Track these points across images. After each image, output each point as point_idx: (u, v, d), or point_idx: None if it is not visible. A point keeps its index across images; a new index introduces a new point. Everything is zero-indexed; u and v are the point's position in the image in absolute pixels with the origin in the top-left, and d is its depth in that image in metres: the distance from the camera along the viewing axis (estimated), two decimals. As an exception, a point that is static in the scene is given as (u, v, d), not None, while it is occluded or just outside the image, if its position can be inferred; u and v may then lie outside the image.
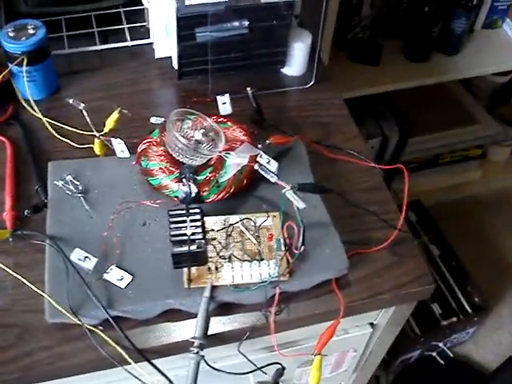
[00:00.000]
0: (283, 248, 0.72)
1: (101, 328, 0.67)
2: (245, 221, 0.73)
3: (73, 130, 0.86)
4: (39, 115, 0.88)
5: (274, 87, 0.96)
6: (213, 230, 0.72)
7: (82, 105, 0.80)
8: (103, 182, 0.78)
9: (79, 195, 0.77)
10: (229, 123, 0.82)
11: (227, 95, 0.86)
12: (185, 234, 0.67)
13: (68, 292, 0.67)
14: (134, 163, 0.79)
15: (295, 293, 0.72)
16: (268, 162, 0.77)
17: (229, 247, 0.71)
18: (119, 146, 0.80)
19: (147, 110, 0.88)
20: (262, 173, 0.75)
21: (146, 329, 0.69)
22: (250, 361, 0.70)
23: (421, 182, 1.98)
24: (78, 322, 0.66)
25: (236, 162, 0.75)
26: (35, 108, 0.89)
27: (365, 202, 0.82)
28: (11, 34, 0.85)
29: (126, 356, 0.65)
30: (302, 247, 0.71)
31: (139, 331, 0.69)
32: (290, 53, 0.96)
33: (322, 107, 0.96)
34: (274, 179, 0.74)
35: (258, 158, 0.77)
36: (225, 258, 0.70)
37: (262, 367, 0.71)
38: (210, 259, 0.70)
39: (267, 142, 0.80)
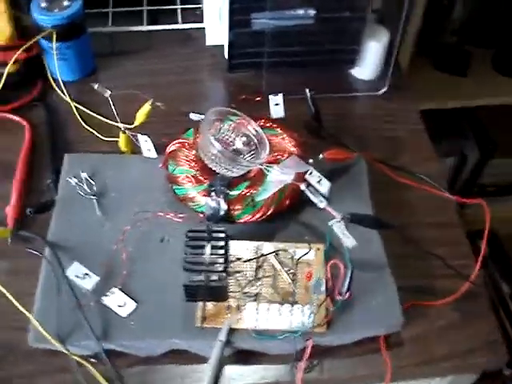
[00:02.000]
0: (323, 291, 0.58)
1: (92, 361, 0.56)
2: (281, 252, 0.60)
3: (102, 119, 0.76)
4: (67, 99, 0.78)
5: (339, 91, 0.82)
6: (239, 258, 0.59)
7: (109, 92, 0.68)
8: (122, 184, 0.67)
9: (93, 197, 0.65)
10: (278, 130, 0.69)
11: (281, 95, 0.73)
12: (203, 263, 0.55)
13: (58, 314, 0.56)
14: (160, 166, 0.67)
15: (332, 347, 0.58)
16: (319, 182, 0.63)
17: (256, 283, 0.58)
18: (146, 144, 0.68)
19: (187, 105, 0.76)
20: (309, 195, 0.62)
21: (146, 369, 0.57)
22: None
23: (498, 209, 1.77)
24: (65, 351, 0.55)
25: (279, 178, 0.62)
26: (64, 90, 0.78)
27: (431, 241, 0.67)
28: (43, 5, 0.75)
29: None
30: (348, 293, 0.57)
31: (137, 371, 0.57)
32: (362, 52, 0.81)
33: (393, 119, 0.81)
34: (322, 204, 0.61)
35: (307, 176, 0.63)
36: (250, 296, 0.58)
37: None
38: (231, 295, 0.57)
39: (321, 156, 0.67)
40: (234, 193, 0.62)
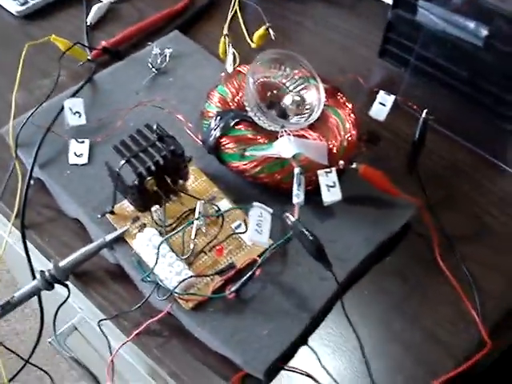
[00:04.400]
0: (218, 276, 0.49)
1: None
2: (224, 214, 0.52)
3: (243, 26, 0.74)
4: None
5: (482, 147, 0.65)
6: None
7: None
8: (185, 76, 0.65)
9: (153, 71, 0.65)
10: (348, 115, 0.58)
11: (393, 97, 0.62)
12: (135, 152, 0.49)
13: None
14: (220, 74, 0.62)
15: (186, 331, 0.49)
16: (329, 186, 0.53)
17: (175, 219, 0.52)
18: (230, 59, 0.64)
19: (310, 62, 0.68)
20: (294, 183, 0.51)
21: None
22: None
23: None
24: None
25: (282, 148, 0.53)
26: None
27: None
28: None
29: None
30: (232, 294, 0.47)
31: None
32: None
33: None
34: (296, 200, 0.50)
35: (321, 172, 0.53)
36: (158, 224, 0.51)
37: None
38: (146, 213, 0.52)
39: (355, 165, 0.55)
40: (234, 132, 0.55)
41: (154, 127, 0.51)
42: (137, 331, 0.49)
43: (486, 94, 0.63)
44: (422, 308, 0.53)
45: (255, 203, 0.46)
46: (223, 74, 0.61)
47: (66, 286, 0.52)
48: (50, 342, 0.63)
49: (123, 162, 0.49)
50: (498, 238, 0.58)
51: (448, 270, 0.54)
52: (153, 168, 0.49)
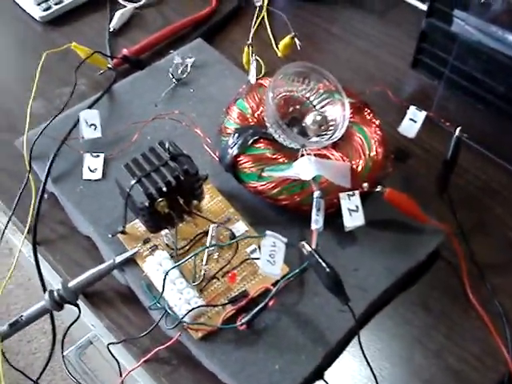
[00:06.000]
0: (230, 305, 0.47)
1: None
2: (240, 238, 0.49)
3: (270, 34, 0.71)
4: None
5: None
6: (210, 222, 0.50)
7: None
8: (205, 88, 0.62)
9: (174, 81, 0.63)
10: (374, 133, 0.55)
11: (424, 113, 0.58)
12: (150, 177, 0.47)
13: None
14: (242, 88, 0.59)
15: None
16: (351, 210, 0.50)
17: (187, 242, 0.49)
18: (253, 70, 0.62)
19: (334, 71, 0.64)
20: (313, 207, 0.48)
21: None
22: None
23: None
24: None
25: (301, 169, 0.50)
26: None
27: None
28: None
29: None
30: (244, 326, 0.45)
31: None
32: None
33: None
34: (314, 226, 0.47)
35: (343, 195, 0.50)
36: (169, 248, 0.49)
37: None
38: (160, 233, 0.50)
39: (380, 188, 0.52)
40: (252, 151, 0.52)
41: (167, 145, 0.48)
42: (145, 358, 0.47)
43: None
44: (447, 343, 0.49)
45: (268, 232, 0.43)
46: (244, 86, 0.58)
47: (77, 305, 0.51)
48: (63, 357, 0.62)
49: (133, 181, 0.47)
50: (534, 269, 0.54)
51: (477, 302, 0.51)
52: (164, 189, 0.47)
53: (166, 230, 0.49)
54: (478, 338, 0.50)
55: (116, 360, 0.52)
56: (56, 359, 0.57)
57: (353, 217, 0.50)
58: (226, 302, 0.47)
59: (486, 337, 0.49)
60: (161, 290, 0.46)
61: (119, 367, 0.53)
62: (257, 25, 0.71)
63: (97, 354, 0.71)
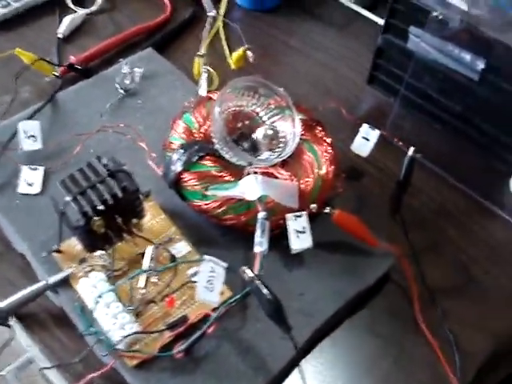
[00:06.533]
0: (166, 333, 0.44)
1: None
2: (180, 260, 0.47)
3: (227, 46, 0.69)
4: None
5: (474, 189, 0.59)
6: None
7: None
8: (155, 99, 0.60)
9: (121, 92, 0.60)
10: (324, 152, 0.53)
11: (378, 132, 0.56)
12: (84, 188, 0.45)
13: None
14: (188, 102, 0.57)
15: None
16: (298, 232, 0.48)
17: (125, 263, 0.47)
18: (204, 82, 0.60)
19: (292, 85, 0.63)
20: (257, 229, 0.46)
21: None
22: None
23: None
24: None
25: (246, 188, 0.48)
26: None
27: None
28: None
29: None
30: (180, 354, 0.43)
31: None
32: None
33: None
34: (258, 248, 0.45)
35: (289, 216, 0.48)
36: (106, 268, 0.47)
37: None
38: (95, 253, 0.47)
39: (328, 209, 0.50)
40: (197, 168, 0.50)
41: (105, 160, 0.46)
42: (77, 386, 0.44)
43: (479, 131, 0.57)
44: (394, 369, 0.48)
45: (206, 256, 0.41)
46: (192, 99, 0.56)
47: (9, 326, 0.48)
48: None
49: (68, 199, 0.44)
50: (486, 294, 0.53)
51: (427, 328, 0.49)
52: (101, 207, 0.44)
53: (100, 252, 0.46)
54: (427, 364, 0.48)
55: (50, 385, 0.49)
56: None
57: (300, 239, 0.48)
58: (164, 327, 0.44)
59: (435, 363, 0.48)
60: (96, 314, 0.44)
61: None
62: (212, 36, 0.68)
63: (37, 373, 0.68)
